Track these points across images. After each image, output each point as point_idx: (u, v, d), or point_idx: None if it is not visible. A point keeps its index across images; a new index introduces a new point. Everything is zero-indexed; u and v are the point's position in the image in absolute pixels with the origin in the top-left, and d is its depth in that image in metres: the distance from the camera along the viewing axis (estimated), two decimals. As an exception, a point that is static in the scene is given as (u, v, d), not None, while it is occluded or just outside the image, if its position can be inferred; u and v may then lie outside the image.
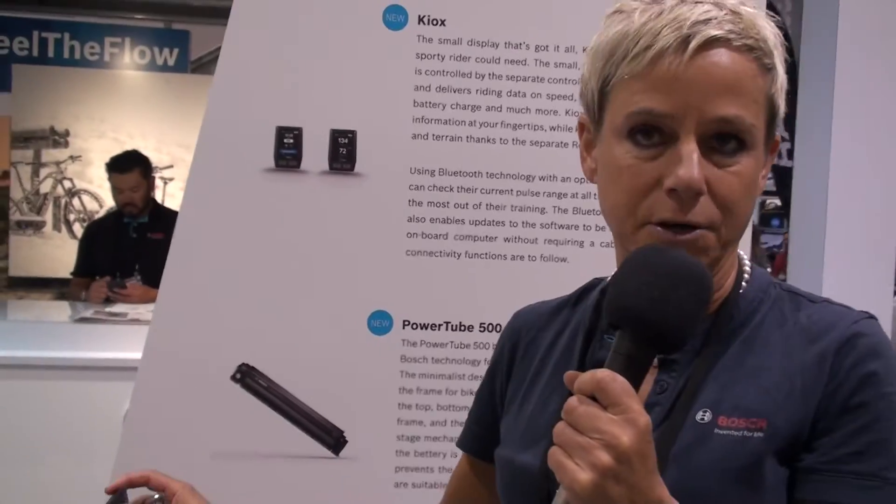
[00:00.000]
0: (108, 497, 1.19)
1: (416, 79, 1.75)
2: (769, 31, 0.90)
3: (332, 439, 1.76)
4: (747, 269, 0.99)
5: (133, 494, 1.21)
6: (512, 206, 1.78)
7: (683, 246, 0.87)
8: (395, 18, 1.75)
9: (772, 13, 0.93)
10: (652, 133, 0.88)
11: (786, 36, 0.96)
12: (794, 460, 0.89)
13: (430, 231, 1.77)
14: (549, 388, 1.04)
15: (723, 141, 0.87)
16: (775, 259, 6.47)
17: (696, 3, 0.87)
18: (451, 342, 1.78)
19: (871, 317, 0.94)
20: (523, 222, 1.78)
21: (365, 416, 1.77)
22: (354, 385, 1.77)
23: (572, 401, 0.78)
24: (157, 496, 1.19)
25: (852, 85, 2.79)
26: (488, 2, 1.77)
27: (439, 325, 1.78)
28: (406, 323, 1.78)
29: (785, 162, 4.73)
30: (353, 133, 1.74)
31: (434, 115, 1.76)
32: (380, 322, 1.77)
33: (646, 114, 0.87)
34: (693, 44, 0.85)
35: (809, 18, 3.00)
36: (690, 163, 0.85)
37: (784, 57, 0.92)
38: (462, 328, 1.79)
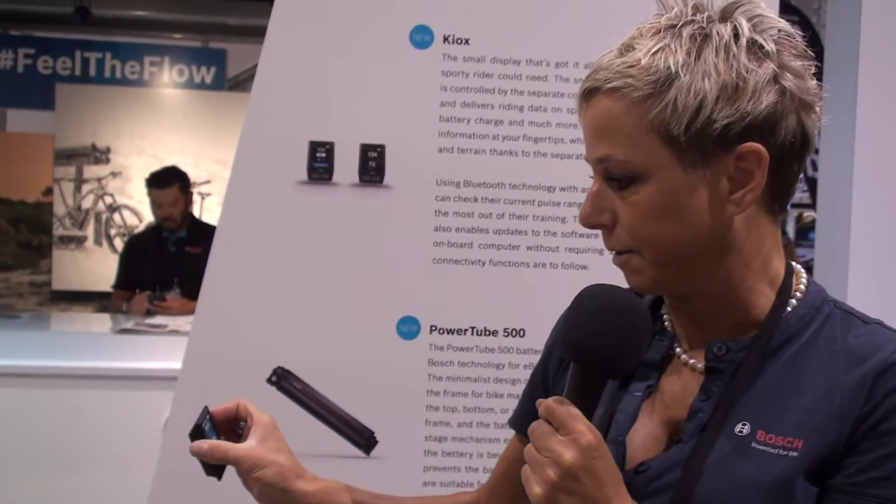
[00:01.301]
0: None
1: (441, 95, 1.83)
2: (671, 57, 0.90)
3: (363, 439, 1.82)
4: (802, 286, 1.00)
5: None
6: (534, 215, 1.84)
7: (617, 265, 0.98)
8: (421, 38, 1.82)
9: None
10: None
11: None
12: (824, 478, 0.91)
13: (456, 240, 1.83)
14: None
15: (616, 178, 0.93)
16: (812, 272, 6.42)
17: (614, 49, 0.94)
18: (477, 346, 1.85)
19: None
20: (545, 231, 1.84)
21: (394, 418, 1.84)
22: (384, 388, 1.84)
23: (534, 423, 0.89)
24: (241, 423, 1.19)
25: (875, 92, 2.82)
26: (510, 21, 1.83)
27: (465, 331, 1.85)
28: (433, 328, 1.84)
29: (811, 173, 4.74)
30: (382, 147, 1.82)
31: (459, 129, 1.83)
32: (408, 327, 1.84)
33: None
34: (580, 98, 0.96)
35: (832, 27, 3.03)
36: (585, 202, 0.96)
37: (720, 70, 0.89)
38: (487, 333, 1.85)
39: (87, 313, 5.92)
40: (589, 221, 0.96)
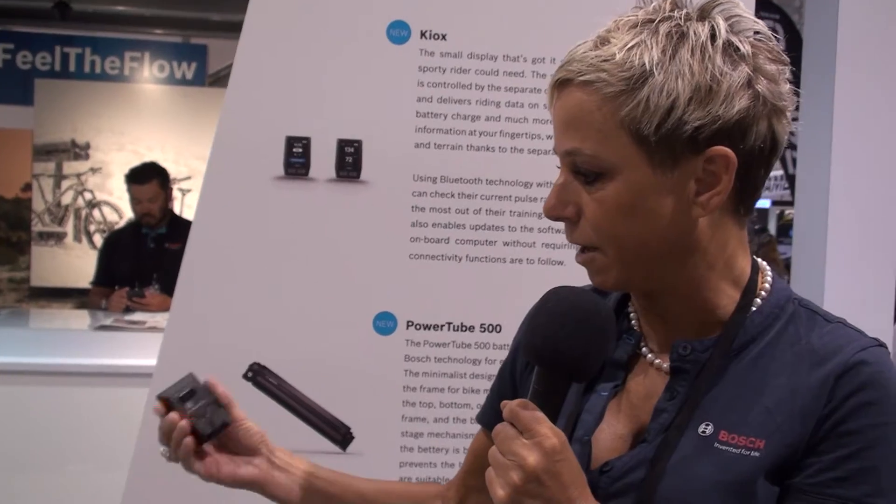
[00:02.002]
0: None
1: (418, 90, 1.83)
2: (646, 54, 0.89)
3: (340, 435, 1.83)
4: (767, 284, 0.99)
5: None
6: (511, 211, 1.85)
7: (580, 263, 0.97)
8: (398, 33, 1.82)
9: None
10: None
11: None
12: (785, 478, 0.91)
13: (433, 235, 1.84)
14: None
15: (584, 172, 0.92)
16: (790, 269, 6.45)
17: (589, 40, 0.93)
18: (453, 342, 1.85)
19: (881, 345, 0.95)
20: (522, 227, 1.84)
21: (371, 413, 1.84)
22: (361, 383, 1.84)
23: (498, 426, 0.89)
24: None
25: (852, 91, 2.84)
26: (487, 17, 1.84)
27: (442, 326, 1.85)
28: (410, 324, 1.85)
29: (792, 171, 4.77)
30: (359, 142, 1.82)
31: (436, 125, 1.83)
32: (384, 323, 1.84)
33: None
34: (551, 88, 0.95)
35: (810, 26, 3.05)
36: (551, 193, 0.95)
37: (694, 71, 0.88)
38: (464, 329, 1.86)
39: (67, 310, 5.89)
40: (553, 214, 0.95)
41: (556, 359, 0.90)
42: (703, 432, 0.93)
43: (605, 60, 0.90)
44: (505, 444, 0.87)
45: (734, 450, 0.91)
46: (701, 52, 0.89)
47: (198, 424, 1.16)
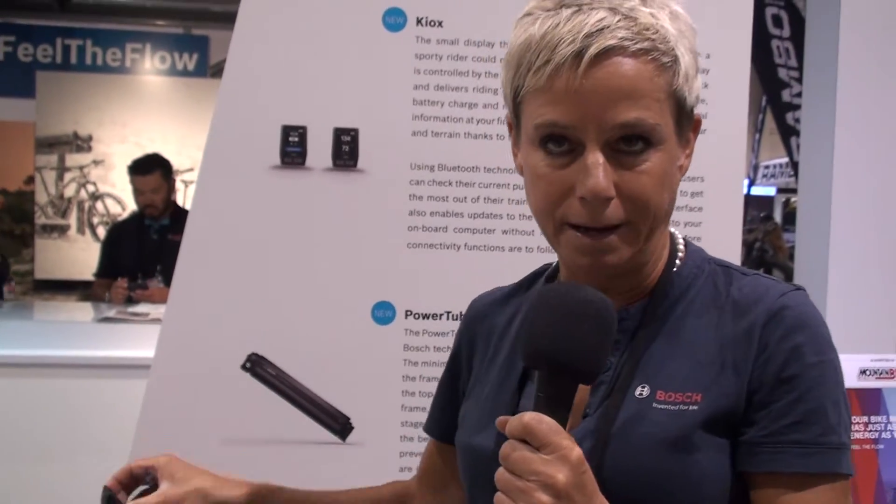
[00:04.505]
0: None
1: (415, 78, 1.81)
2: (668, 23, 0.92)
3: (339, 425, 1.82)
4: (681, 247, 1.03)
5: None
6: (509, 199, 1.83)
7: (601, 249, 0.92)
8: (394, 20, 1.81)
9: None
10: (562, 141, 0.92)
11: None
12: (735, 433, 0.93)
13: (431, 224, 1.82)
14: (503, 372, 1.08)
15: (629, 142, 0.90)
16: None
17: (592, 9, 0.89)
18: (452, 331, 1.83)
19: (800, 289, 0.98)
20: (520, 215, 1.83)
21: (370, 403, 1.83)
22: (360, 373, 1.83)
23: (506, 447, 0.82)
24: (147, 478, 1.23)
25: (855, 77, 2.82)
26: (484, 3, 1.82)
27: (440, 315, 1.84)
28: (409, 313, 1.84)
29: (797, 158, 4.75)
30: (356, 131, 1.80)
31: (433, 112, 1.82)
32: (383, 312, 1.83)
33: (551, 126, 0.91)
34: (586, 57, 0.87)
35: (812, 13, 3.03)
36: (597, 172, 0.89)
37: (690, 44, 0.94)
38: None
39: (71, 302, 5.90)
40: (609, 194, 0.90)
41: (571, 361, 0.85)
42: (641, 395, 0.94)
43: (646, 29, 0.90)
44: (523, 465, 0.80)
45: (672, 407, 0.93)
46: (687, 24, 0.95)
47: None
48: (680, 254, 1.02)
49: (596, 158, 0.90)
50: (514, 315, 1.12)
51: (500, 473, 0.82)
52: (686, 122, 0.97)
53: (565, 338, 0.85)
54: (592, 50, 0.88)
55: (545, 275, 1.13)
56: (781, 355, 0.92)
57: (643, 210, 0.92)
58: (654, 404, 0.93)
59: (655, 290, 0.99)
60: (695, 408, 0.92)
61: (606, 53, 0.88)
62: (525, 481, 0.80)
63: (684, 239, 1.05)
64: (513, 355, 1.07)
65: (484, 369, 1.12)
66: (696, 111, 0.98)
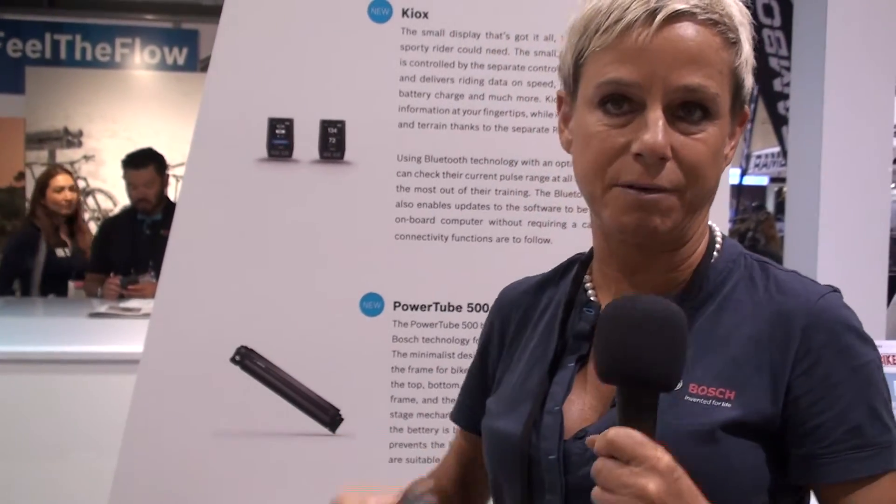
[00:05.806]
0: None
1: (401, 69, 1.81)
2: (735, 8, 0.94)
3: (329, 417, 1.83)
4: (719, 239, 1.02)
5: None
6: (496, 190, 1.84)
7: (649, 207, 0.91)
8: (379, 12, 1.81)
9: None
10: (621, 102, 0.92)
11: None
12: (774, 438, 0.92)
13: (418, 216, 1.83)
14: (532, 359, 1.07)
15: (688, 110, 0.91)
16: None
17: None
18: (441, 322, 1.85)
19: (836, 290, 0.97)
20: (507, 205, 1.83)
21: (359, 395, 1.83)
22: (349, 365, 1.83)
23: (597, 463, 0.83)
24: None
25: (843, 64, 2.83)
26: (469, -6, 1.83)
27: (429, 306, 1.85)
28: (397, 304, 1.84)
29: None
30: (342, 123, 1.80)
31: (419, 104, 1.82)
32: (372, 304, 1.84)
33: (615, 83, 0.91)
34: (659, 17, 0.89)
35: (801, 1, 3.04)
36: (656, 128, 0.89)
37: (751, 35, 0.95)
38: (451, 308, 1.85)
39: (62, 298, 5.88)
40: (665, 151, 0.90)
41: (648, 372, 0.83)
42: None
43: (716, 3, 0.92)
44: (614, 480, 0.81)
45: (705, 401, 0.92)
46: (749, 21, 0.95)
47: None
48: (717, 245, 1.01)
49: (657, 116, 0.90)
50: (548, 305, 1.11)
51: (596, 490, 0.83)
52: (738, 108, 0.97)
53: (635, 351, 0.83)
54: (666, 11, 0.89)
55: (579, 261, 1.12)
56: (827, 361, 0.92)
57: (695, 178, 0.92)
58: (686, 397, 0.92)
59: (692, 281, 0.99)
60: (727, 404, 0.92)
61: (678, 16, 0.90)
62: (618, 496, 0.81)
63: (721, 232, 1.04)
64: (542, 345, 1.07)
65: (516, 358, 1.11)
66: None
